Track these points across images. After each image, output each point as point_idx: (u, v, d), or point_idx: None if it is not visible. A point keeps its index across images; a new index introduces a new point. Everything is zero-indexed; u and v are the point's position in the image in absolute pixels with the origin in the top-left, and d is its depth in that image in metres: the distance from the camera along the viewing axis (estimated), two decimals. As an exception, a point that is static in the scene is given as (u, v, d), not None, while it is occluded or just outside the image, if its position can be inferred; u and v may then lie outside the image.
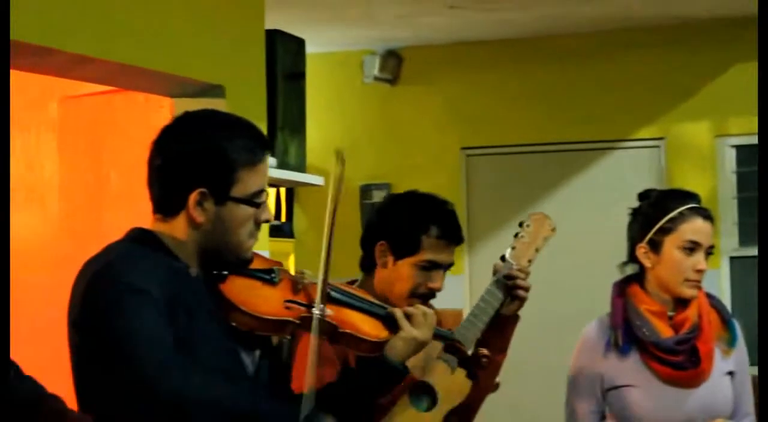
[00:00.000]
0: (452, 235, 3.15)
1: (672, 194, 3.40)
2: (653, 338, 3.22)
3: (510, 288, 3.20)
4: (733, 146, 6.62)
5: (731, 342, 3.30)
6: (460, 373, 3.09)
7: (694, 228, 3.23)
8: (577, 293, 6.61)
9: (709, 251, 3.25)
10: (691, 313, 3.26)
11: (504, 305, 3.21)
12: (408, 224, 3.11)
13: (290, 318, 2.44)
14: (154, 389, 2.21)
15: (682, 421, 3.20)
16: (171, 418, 2.24)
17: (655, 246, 3.26)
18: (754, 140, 6.58)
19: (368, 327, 2.56)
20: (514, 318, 3.26)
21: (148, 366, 2.22)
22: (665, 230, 3.24)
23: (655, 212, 3.28)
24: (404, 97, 7.13)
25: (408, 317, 2.63)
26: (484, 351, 2.95)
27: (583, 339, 3.35)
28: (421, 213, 3.13)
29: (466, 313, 3.28)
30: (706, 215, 3.28)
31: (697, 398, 3.21)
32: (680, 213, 3.25)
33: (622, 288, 3.34)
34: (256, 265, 2.51)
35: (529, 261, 3.25)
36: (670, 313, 3.27)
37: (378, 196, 6.97)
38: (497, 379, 3.32)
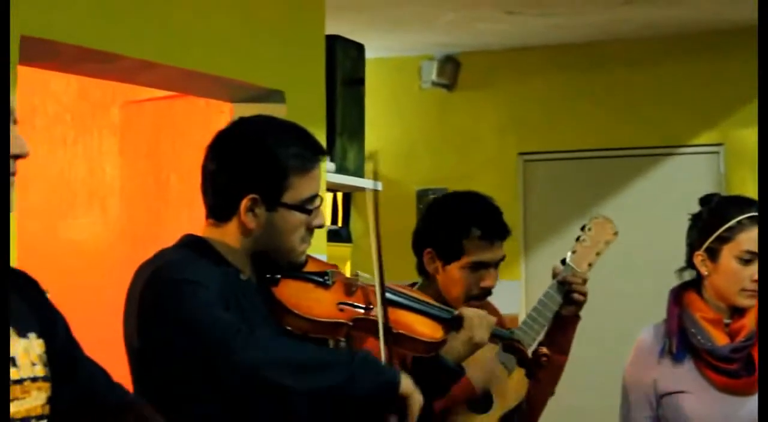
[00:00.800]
0: (495, 232, 3.16)
1: (733, 201, 3.34)
2: (708, 345, 3.20)
3: (567, 292, 3.22)
4: (794, 152, 6.56)
5: None
6: (518, 373, 3.10)
7: (752, 238, 3.16)
8: (634, 300, 6.58)
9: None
10: (748, 321, 3.22)
11: (562, 307, 3.23)
12: (448, 229, 3.13)
13: (343, 320, 2.46)
14: (228, 362, 2.21)
15: None
16: (249, 386, 2.24)
17: (713, 254, 3.23)
18: (814, 146, 6.56)
19: (422, 328, 2.57)
20: (575, 318, 3.29)
21: (217, 341, 2.22)
22: (723, 239, 3.21)
23: (714, 219, 3.25)
24: (461, 103, 7.14)
25: (467, 317, 2.65)
26: (544, 350, 2.97)
27: (638, 345, 3.34)
28: (459, 217, 3.14)
29: (521, 318, 3.31)
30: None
31: (753, 406, 3.13)
32: (739, 222, 3.21)
33: (678, 295, 3.33)
34: (310, 268, 2.53)
35: (590, 265, 3.29)
36: (727, 321, 3.24)
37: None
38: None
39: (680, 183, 6.67)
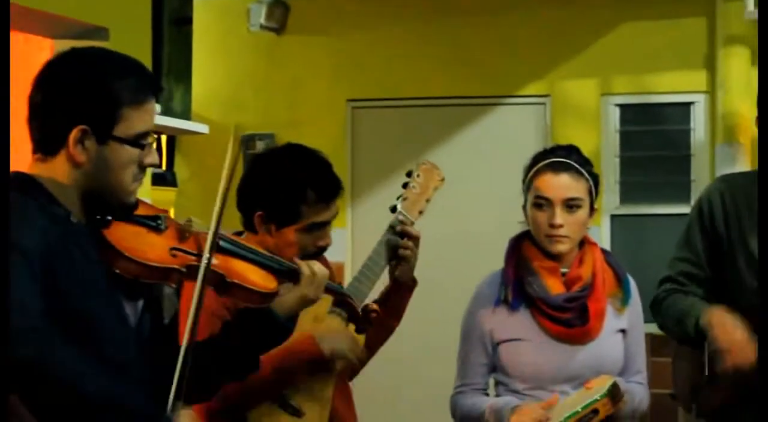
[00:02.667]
0: (331, 192, 3.10)
1: (543, 151, 3.36)
2: (542, 294, 3.22)
3: (397, 243, 3.19)
4: (618, 105, 6.70)
5: (625, 301, 3.30)
6: (350, 328, 3.08)
7: (543, 184, 3.21)
8: (463, 249, 6.67)
9: (573, 204, 3.21)
10: (584, 271, 3.25)
11: (396, 269, 3.21)
12: (283, 194, 3.04)
13: (176, 266, 2.40)
14: (12, 354, 2.08)
15: (570, 377, 3.21)
16: (23, 386, 2.11)
17: (526, 203, 3.28)
18: (638, 99, 6.71)
19: (257, 278, 2.53)
20: (411, 284, 3.28)
21: (12, 330, 2.09)
22: (528, 188, 3.26)
23: (525, 171, 3.31)
24: (290, 47, 7.06)
25: (301, 274, 2.61)
26: (374, 306, 2.96)
27: (475, 293, 3.35)
28: (294, 181, 3.05)
29: (347, 266, 3.30)
30: (560, 167, 3.23)
31: (586, 355, 3.21)
32: (536, 170, 3.25)
33: (516, 244, 3.34)
34: (141, 212, 2.43)
35: (420, 212, 3.25)
36: (564, 270, 3.27)
37: (261, 146, 6.91)
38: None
39: (508, 133, 6.76)
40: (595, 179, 3.30)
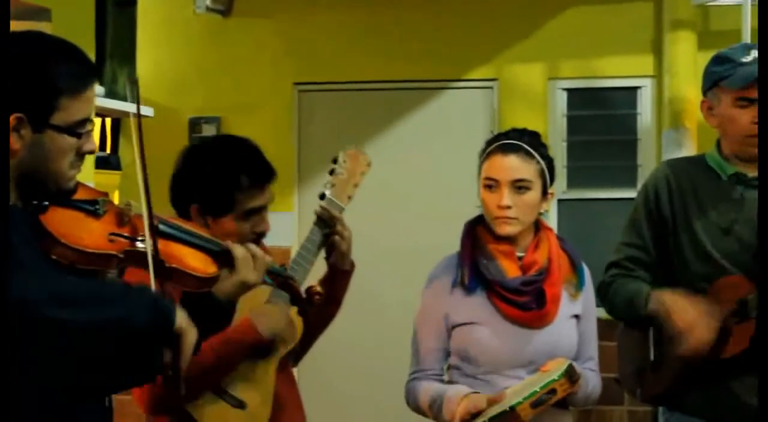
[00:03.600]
0: (264, 177, 3.09)
1: (497, 134, 3.36)
2: (498, 277, 3.21)
3: (327, 235, 3.20)
4: (564, 90, 6.72)
5: (579, 286, 3.30)
6: (292, 311, 3.08)
7: (491, 165, 3.22)
8: (409, 233, 6.67)
9: (522, 186, 3.21)
10: (539, 255, 3.25)
11: (331, 257, 3.22)
12: (216, 183, 3.03)
13: (114, 252, 2.37)
14: None
15: (525, 361, 3.20)
16: (23, 322, 2.12)
17: (479, 186, 3.28)
18: (584, 83, 6.74)
19: (197, 262, 2.50)
20: (348, 269, 3.28)
21: None
22: (480, 171, 3.27)
23: (479, 155, 3.31)
24: (237, 29, 7.01)
25: (240, 258, 2.59)
26: (317, 288, 2.94)
27: (429, 277, 3.32)
28: (226, 168, 3.05)
29: (295, 251, 3.28)
30: (509, 149, 3.24)
31: (541, 339, 3.20)
32: (487, 153, 3.27)
33: (471, 227, 3.32)
34: (80, 196, 2.39)
35: (349, 198, 3.25)
36: (520, 254, 3.28)
37: (207, 130, 6.87)
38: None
39: (455, 117, 6.75)
40: (549, 162, 3.30)
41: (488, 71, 6.76)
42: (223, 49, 7.00)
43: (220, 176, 3.04)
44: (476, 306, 3.23)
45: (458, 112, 6.76)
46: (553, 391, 3.07)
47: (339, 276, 3.27)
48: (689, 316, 3.36)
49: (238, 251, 2.59)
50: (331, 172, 3.29)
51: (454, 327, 3.25)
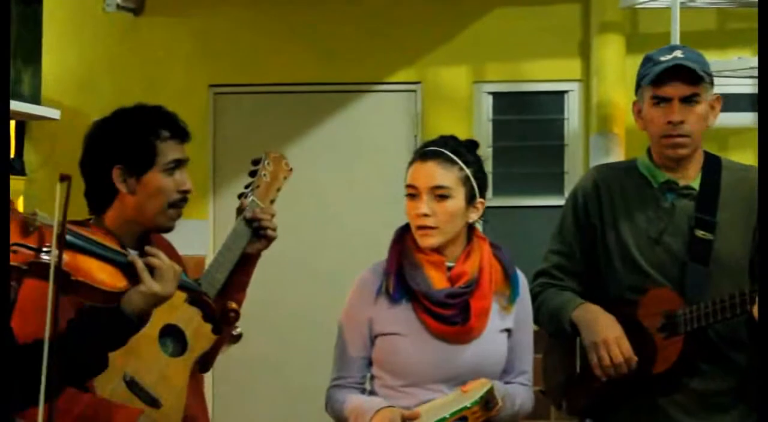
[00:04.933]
0: (181, 131, 3.12)
1: (424, 143, 3.36)
2: (424, 288, 3.20)
3: (257, 229, 3.20)
4: (490, 93, 6.74)
5: (512, 299, 3.30)
6: (206, 327, 3.06)
7: (411, 173, 3.25)
8: (327, 238, 6.65)
9: (441, 193, 3.20)
10: (469, 266, 3.24)
11: (249, 245, 3.21)
12: (138, 136, 3.05)
13: (15, 264, 2.34)
14: None
15: (448, 377, 3.20)
16: None
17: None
18: (511, 87, 6.75)
19: (104, 276, 2.47)
20: (258, 255, 3.26)
21: None
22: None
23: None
24: (149, 29, 6.92)
25: (150, 269, 2.57)
26: (233, 306, 2.93)
27: (357, 282, 3.32)
28: (144, 122, 3.08)
29: (210, 259, 3.27)
30: (429, 155, 3.24)
31: (466, 354, 3.21)
32: (410, 161, 3.29)
33: (401, 234, 3.32)
34: None
35: (272, 201, 3.28)
36: (450, 264, 3.26)
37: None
38: (239, 330, 3.31)
39: (377, 120, 6.72)
40: (477, 169, 3.27)
41: (411, 74, 6.75)
42: (134, 49, 6.92)
43: (139, 128, 3.06)
44: (400, 317, 3.23)
45: (380, 116, 6.74)
46: (463, 419, 3.07)
47: (253, 262, 3.26)
48: (605, 333, 3.38)
49: (152, 260, 2.57)
50: (253, 173, 3.30)
51: (377, 336, 3.24)
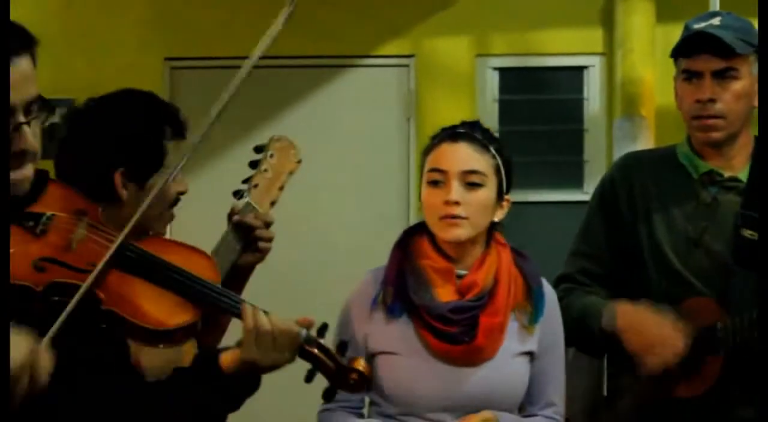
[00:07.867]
0: (183, 128, 3.04)
1: (442, 128, 3.27)
2: (425, 301, 3.13)
3: (250, 240, 3.13)
4: (496, 69, 6.72)
5: (535, 317, 3.20)
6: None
7: (438, 155, 3.17)
8: (312, 228, 6.64)
9: (473, 181, 3.12)
10: (483, 276, 3.16)
11: (241, 256, 3.15)
12: (147, 139, 2.97)
13: (30, 284, 2.33)
14: None
15: (451, 406, 3.13)
16: None
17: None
18: (520, 61, 6.73)
19: (155, 307, 2.44)
20: (253, 267, 3.19)
21: None
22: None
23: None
24: (93, -3, 6.94)
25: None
26: None
27: (355, 290, 3.26)
28: (152, 118, 3.01)
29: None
30: (460, 137, 3.17)
31: (474, 380, 3.14)
32: (431, 146, 3.22)
33: (406, 237, 3.25)
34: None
35: (272, 204, 3.19)
36: (462, 272, 3.18)
37: (58, 114, 6.75)
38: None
39: (363, 99, 6.76)
40: (506, 160, 3.20)
41: (403, 46, 6.74)
42: (77, 20, 6.93)
43: (149, 128, 2.99)
44: (398, 333, 3.17)
45: (367, 94, 6.75)
46: None
47: (246, 274, 3.20)
48: (650, 335, 3.33)
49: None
50: (253, 164, 3.20)
51: (374, 354, 3.17)
